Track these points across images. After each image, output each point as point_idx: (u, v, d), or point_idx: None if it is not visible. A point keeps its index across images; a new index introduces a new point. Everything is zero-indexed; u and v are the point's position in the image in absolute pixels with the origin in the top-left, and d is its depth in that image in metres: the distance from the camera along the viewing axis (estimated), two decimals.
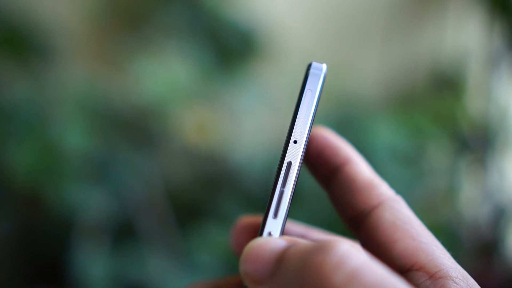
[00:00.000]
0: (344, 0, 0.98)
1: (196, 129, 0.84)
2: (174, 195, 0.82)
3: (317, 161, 0.27)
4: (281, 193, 0.22)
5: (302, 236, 0.28)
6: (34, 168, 0.71)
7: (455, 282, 0.22)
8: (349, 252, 0.18)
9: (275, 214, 0.22)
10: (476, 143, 0.92)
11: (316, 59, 0.89)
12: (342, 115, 0.89)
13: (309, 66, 0.24)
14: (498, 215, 0.90)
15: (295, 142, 0.22)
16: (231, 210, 0.79)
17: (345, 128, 0.86)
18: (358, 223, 0.25)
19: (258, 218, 0.30)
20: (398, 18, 1.01)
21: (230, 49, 0.85)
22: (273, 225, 0.22)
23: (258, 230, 0.28)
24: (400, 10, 1.00)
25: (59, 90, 0.80)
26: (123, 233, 0.77)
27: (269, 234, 0.21)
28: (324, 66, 0.24)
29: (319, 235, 0.29)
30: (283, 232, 0.22)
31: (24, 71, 0.81)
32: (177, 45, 0.83)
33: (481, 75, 0.97)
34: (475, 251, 0.89)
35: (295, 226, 0.29)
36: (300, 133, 0.22)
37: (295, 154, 0.22)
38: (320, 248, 0.18)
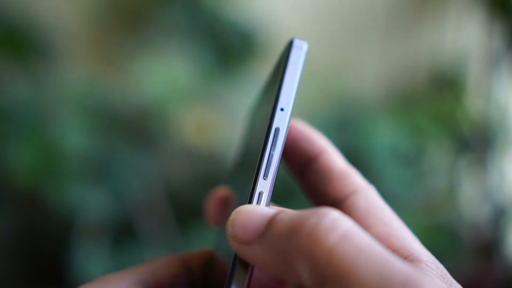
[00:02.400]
0: (345, 0, 0.98)
1: (196, 129, 0.84)
2: (174, 195, 0.82)
3: (292, 152, 0.28)
4: (271, 156, 0.23)
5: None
6: (34, 168, 0.71)
7: (426, 265, 0.23)
8: (340, 217, 0.19)
9: (266, 175, 0.22)
10: (476, 143, 0.92)
11: (316, 59, 0.89)
12: (342, 115, 0.89)
13: (291, 42, 0.25)
14: (498, 215, 0.90)
15: (281, 109, 0.23)
16: None
17: (345, 128, 0.86)
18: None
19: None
20: (398, 18, 1.01)
21: (230, 49, 0.85)
22: (264, 186, 0.22)
23: (232, 203, 0.29)
24: (400, 10, 1.00)
25: (59, 90, 0.80)
26: (123, 233, 0.77)
27: (260, 194, 0.22)
28: (304, 43, 0.25)
29: None
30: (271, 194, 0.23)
31: (24, 71, 0.81)
32: (177, 45, 0.83)
33: (481, 75, 0.97)
34: (475, 251, 0.89)
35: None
36: (286, 102, 0.23)
37: (282, 121, 0.23)
38: (313, 214, 0.19)
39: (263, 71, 0.89)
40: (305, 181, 0.28)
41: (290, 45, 0.25)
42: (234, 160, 0.33)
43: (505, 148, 0.93)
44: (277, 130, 0.23)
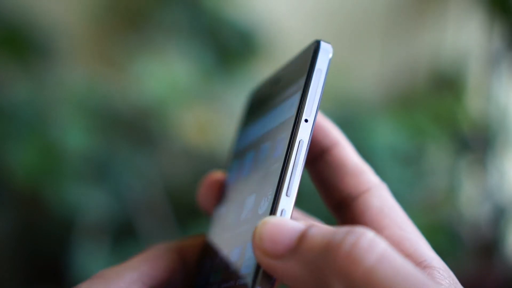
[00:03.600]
0: (344, 0, 0.98)
1: (196, 129, 0.84)
2: (174, 195, 0.82)
3: None
4: (294, 171, 0.22)
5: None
6: (34, 168, 0.71)
7: (439, 273, 0.22)
8: (376, 238, 0.19)
9: (289, 193, 0.22)
10: (476, 143, 0.92)
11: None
12: (342, 115, 0.89)
13: (318, 44, 0.24)
14: (498, 215, 0.90)
15: (306, 121, 0.22)
16: None
17: (345, 128, 0.86)
18: (344, 206, 0.25)
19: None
20: (398, 18, 1.01)
21: (230, 49, 0.85)
22: (286, 203, 0.22)
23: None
24: (400, 10, 1.00)
25: (59, 90, 0.80)
26: (123, 233, 0.77)
27: (282, 211, 0.21)
28: (331, 47, 0.24)
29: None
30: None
31: (24, 71, 0.81)
32: (177, 45, 0.83)
33: (481, 75, 0.97)
34: (475, 250, 0.89)
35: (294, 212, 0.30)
36: (311, 112, 0.22)
37: (305, 133, 0.22)
38: (349, 233, 0.19)
39: (263, 71, 0.89)
40: (315, 171, 0.27)
41: (316, 48, 0.24)
42: (232, 146, 0.32)
43: (505, 148, 0.93)
44: (300, 143, 0.22)
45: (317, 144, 0.26)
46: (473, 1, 0.96)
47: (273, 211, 0.21)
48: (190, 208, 0.84)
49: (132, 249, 0.75)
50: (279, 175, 0.22)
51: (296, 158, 0.22)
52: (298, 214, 0.29)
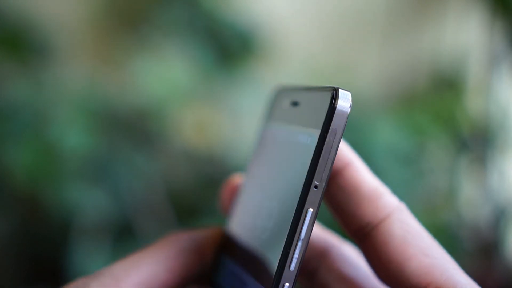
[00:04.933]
0: (344, 0, 0.98)
1: (196, 129, 0.84)
2: (174, 196, 0.82)
3: None
4: (298, 244, 0.21)
5: (323, 248, 0.27)
6: (33, 168, 0.71)
7: None
8: None
9: (291, 266, 0.21)
10: (476, 143, 0.92)
11: (316, 58, 0.89)
12: None
13: (335, 95, 0.21)
14: (498, 215, 0.89)
15: (315, 187, 0.21)
16: None
17: (345, 128, 0.86)
18: (364, 235, 0.24)
19: None
20: (398, 18, 1.00)
21: (230, 49, 0.85)
22: (289, 277, 0.21)
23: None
24: (400, 10, 1.00)
25: (58, 90, 0.80)
26: (123, 234, 0.77)
27: (283, 286, 0.21)
28: (350, 98, 0.21)
29: (338, 242, 0.27)
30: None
31: (24, 71, 0.81)
32: (176, 45, 0.83)
33: (481, 75, 0.97)
34: (475, 251, 0.88)
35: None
36: (322, 178, 0.21)
37: (315, 201, 0.21)
38: None
39: (263, 71, 0.89)
40: (328, 196, 0.25)
41: (333, 100, 0.21)
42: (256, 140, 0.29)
43: (505, 148, 0.93)
44: (308, 212, 0.21)
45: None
46: (474, 1, 0.96)
47: (275, 285, 0.21)
48: (190, 208, 0.83)
49: (132, 250, 0.75)
50: (284, 242, 0.21)
51: (302, 228, 0.21)
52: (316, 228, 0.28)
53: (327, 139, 0.21)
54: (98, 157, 0.76)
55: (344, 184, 0.24)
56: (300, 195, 0.21)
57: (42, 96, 0.78)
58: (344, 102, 0.21)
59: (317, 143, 0.21)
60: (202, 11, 0.84)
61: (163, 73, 0.79)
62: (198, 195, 0.85)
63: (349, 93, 0.21)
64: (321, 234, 0.27)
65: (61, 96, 0.79)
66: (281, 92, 0.28)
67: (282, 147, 0.25)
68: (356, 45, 1.00)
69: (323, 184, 0.21)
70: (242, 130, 0.90)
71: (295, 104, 0.25)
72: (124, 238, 0.77)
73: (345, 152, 0.24)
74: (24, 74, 0.80)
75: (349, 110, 0.21)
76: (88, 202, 0.74)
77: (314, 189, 0.21)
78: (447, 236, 0.83)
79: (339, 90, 0.21)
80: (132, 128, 0.82)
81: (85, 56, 0.89)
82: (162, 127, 0.82)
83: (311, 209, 0.21)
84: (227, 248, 0.27)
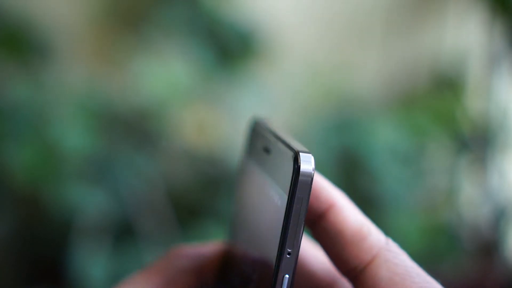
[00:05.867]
0: (344, 0, 0.98)
1: (196, 129, 0.84)
2: (174, 195, 0.82)
3: None
4: None
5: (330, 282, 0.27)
6: (33, 168, 0.71)
7: None
8: None
9: None
10: (476, 143, 0.92)
11: (316, 59, 0.89)
12: (342, 115, 0.89)
13: (296, 162, 0.21)
14: (498, 215, 0.90)
15: (289, 254, 0.21)
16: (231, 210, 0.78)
17: (345, 128, 0.86)
18: (353, 277, 0.24)
19: None
20: (398, 18, 1.01)
21: (230, 49, 0.85)
22: None
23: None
24: (400, 10, 1.00)
25: (59, 90, 0.80)
26: (123, 233, 0.77)
27: None
28: (313, 162, 0.21)
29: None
30: None
31: (24, 71, 0.81)
32: (177, 45, 0.83)
33: (481, 75, 0.97)
34: (475, 251, 0.88)
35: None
36: (294, 244, 0.21)
37: (289, 267, 0.21)
38: None
39: (263, 71, 0.89)
40: (316, 238, 0.25)
41: (295, 168, 0.21)
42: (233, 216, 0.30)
43: (505, 148, 0.93)
44: (284, 278, 0.21)
45: (309, 210, 0.24)
46: (474, 1, 0.96)
47: None
48: (190, 209, 0.84)
49: (132, 250, 0.75)
50: None
51: None
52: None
53: (294, 207, 0.21)
54: (98, 157, 0.76)
55: (328, 228, 0.23)
56: (275, 263, 0.21)
57: (43, 96, 0.78)
58: (307, 166, 0.21)
59: (285, 212, 0.21)
60: (202, 11, 0.84)
61: (163, 73, 0.79)
62: (198, 195, 0.85)
63: (310, 156, 0.21)
64: (328, 268, 0.27)
65: (61, 96, 0.79)
66: (257, 128, 0.28)
67: (258, 195, 0.25)
68: (356, 45, 1.00)
69: (296, 249, 0.21)
70: (242, 130, 0.90)
71: (266, 150, 0.25)
72: (125, 238, 0.77)
73: (328, 192, 0.24)
74: (24, 74, 0.80)
75: (312, 174, 0.21)
76: (89, 202, 0.74)
77: (287, 256, 0.21)
78: (447, 236, 0.83)
79: (300, 154, 0.21)
80: (133, 128, 0.82)
81: (86, 56, 0.89)
82: (162, 127, 0.82)
83: (287, 275, 0.21)
84: (226, 272, 0.27)
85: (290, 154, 0.21)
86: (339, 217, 0.23)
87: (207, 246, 0.29)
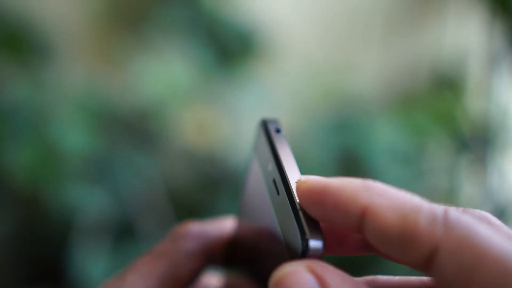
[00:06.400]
0: (344, 0, 0.98)
1: (196, 129, 0.84)
2: (174, 195, 0.82)
3: (332, 230, 0.22)
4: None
5: None
6: (33, 168, 0.71)
7: None
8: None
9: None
10: (476, 143, 0.92)
11: (316, 59, 0.89)
12: (342, 115, 0.89)
13: (265, 124, 0.23)
14: (498, 215, 0.90)
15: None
16: (231, 210, 0.79)
17: (345, 128, 0.86)
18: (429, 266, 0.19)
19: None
20: (398, 18, 1.00)
21: (230, 49, 0.85)
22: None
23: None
24: (400, 10, 1.00)
25: (59, 90, 0.80)
26: (123, 233, 0.77)
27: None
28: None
29: None
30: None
31: (24, 71, 0.81)
32: (177, 45, 0.83)
33: (481, 75, 0.97)
34: None
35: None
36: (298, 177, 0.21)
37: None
38: None
39: (263, 71, 0.89)
40: (373, 251, 0.21)
41: (266, 129, 0.23)
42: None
43: (505, 148, 0.93)
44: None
45: (343, 223, 0.20)
46: (474, 1, 0.96)
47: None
48: (190, 208, 0.83)
49: (132, 249, 0.75)
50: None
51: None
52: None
53: (279, 150, 0.22)
54: (98, 157, 0.76)
55: (372, 235, 0.19)
56: (287, 196, 0.21)
57: (43, 96, 0.78)
58: (272, 120, 0.22)
59: (274, 159, 0.22)
60: (202, 11, 0.84)
61: (163, 73, 0.79)
62: (198, 195, 0.85)
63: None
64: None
65: (61, 96, 0.79)
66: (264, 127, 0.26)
67: (260, 219, 0.25)
68: (356, 45, 1.00)
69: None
70: (242, 130, 0.90)
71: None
72: (125, 238, 0.77)
73: (353, 200, 0.20)
74: (24, 74, 0.80)
75: (282, 129, 0.22)
76: (89, 202, 0.74)
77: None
78: None
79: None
80: (133, 128, 0.82)
81: (86, 56, 0.89)
82: (162, 127, 0.82)
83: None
84: (235, 250, 0.27)
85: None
86: (377, 224, 0.19)
87: (215, 223, 0.28)
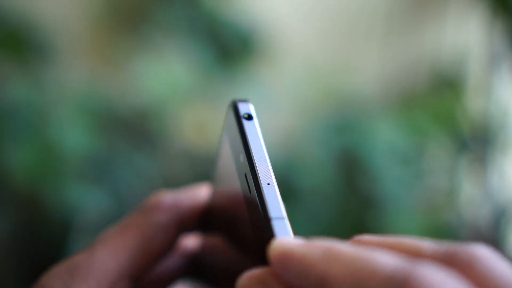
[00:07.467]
0: (344, 0, 0.98)
1: (196, 129, 0.84)
2: None
3: None
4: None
5: None
6: (33, 168, 0.71)
7: None
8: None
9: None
10: (476, 143, 0.92)
11: (316, 59, 0.89)
12: (342, 115, 0.89)
13: (235, 107, 0.23)
14: (498, 215, 0.90)
15: (268, 184, 0.21)
16: None
17: (345, 128, 0.86)
18: None
19: None
20: (398, 18, 1.00)
21: (230, 49, 0.85)
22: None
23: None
24: (400, 10, 1.00)
25: (59, 90, 0.80)
26: None
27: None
28: (251, 105, 0.22)
29: None
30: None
31: (24, 71, 0.81)
32: (177, 45, 0.83)
33: (482, 75, 0.97)
34: None
35: None
36: (269, 176, 0.21)
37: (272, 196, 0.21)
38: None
39: (263, 71, 0.89)
40: None
41: (236, 114, 0.22)
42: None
43: (505, 148, 0.93)
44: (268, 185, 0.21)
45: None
46: (474, 1, 0.96)
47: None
48: None
49: None
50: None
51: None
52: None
53: (250, 143, 0.22)
54: (98, 157, 0.76)
55: None
56: (258, 199, 0.21)
57: (43, 96, 0.78)
58: (246, 111, 0.22)
59: (245, 153, 0.22)
60: (202, 12, 0.84)
61: (163, 73, 0.79)
62: None
63: (249, 104, 0.22)
64: None
65: (61, 96, 0.79)
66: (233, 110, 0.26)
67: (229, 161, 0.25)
68: (356, 45, 1.00)
69: (273, 181, 0.21)
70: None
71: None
72: None
73: (317, 263, 0.18)
74: (24, 74, 0.80)
75: (254, 115, 0.22)
76: (88, 202, 0.74)
77: (267, 185, 0.21)
78: (447, 236, 0.83)
79: (238, 102, 0.22)
80: (133, 128, 0.82)
81: (86, 56, 0.89)
82: (162, 127, 0.82)
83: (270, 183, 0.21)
84: (209, 220, 0.26)
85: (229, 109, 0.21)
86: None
87: (188, 192, 0.27)
